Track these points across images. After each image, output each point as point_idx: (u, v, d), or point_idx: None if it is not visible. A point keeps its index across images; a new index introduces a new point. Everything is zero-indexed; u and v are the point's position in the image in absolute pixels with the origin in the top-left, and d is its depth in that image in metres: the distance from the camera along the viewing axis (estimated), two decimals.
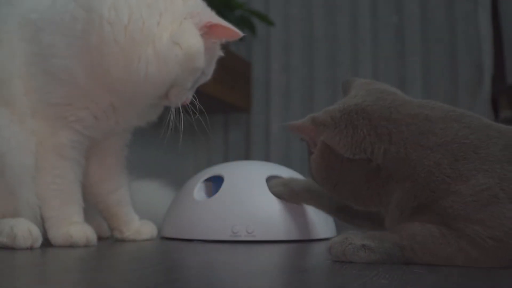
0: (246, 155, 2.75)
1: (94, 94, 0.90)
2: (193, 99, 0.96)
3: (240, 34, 0.95)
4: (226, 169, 1.07)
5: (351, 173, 0.71)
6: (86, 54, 0.87)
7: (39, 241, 0.86)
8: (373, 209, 0.74)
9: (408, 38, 2.55)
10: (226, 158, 2.72)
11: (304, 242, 0.99)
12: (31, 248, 0.84)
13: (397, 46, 2.59)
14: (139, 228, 1.03)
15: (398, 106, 0.71)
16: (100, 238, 1.04)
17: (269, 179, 1.04)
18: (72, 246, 0.89)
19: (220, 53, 1.00)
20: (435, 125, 0.68)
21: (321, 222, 1.04)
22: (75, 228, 0.91)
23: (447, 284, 0.52)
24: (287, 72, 2.75)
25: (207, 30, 0.90)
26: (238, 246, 0.91)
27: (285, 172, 1.08)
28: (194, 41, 0.87)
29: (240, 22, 2.67)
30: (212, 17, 0.91)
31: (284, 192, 0.96)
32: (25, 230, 0.84)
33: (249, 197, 1.00)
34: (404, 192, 0.68)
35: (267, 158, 2.65)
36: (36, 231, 0.86)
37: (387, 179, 0.69)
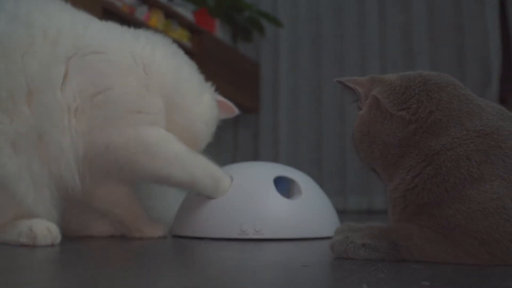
0: (255, 155, 2.76)
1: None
2: None
3: (236, 110, 1.22)
4: (235, 170, 1.10)
5: (389, 132, 0.71)
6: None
7: (59, 238, 0.89)
8: (391, 179, 0.73)
9: (415, 38, 2.55)
10: (235, 158, 2.73)
11: (309, 240, 1.01)
12: (51, 245, 0.87)
13: (404, 45, 2.58)
14: (153, 226, 1.07)
15: (457, 85, 0.72)
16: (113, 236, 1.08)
17: (276, 180, 1.06)
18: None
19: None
20: (484, 112, 0.68)
21: (325, 221, 1.07)
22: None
23: (441, 278, 0.54)
24: (295, 72, 2.76)
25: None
26: (246, 244, 0.94)
27: (292, 173, 1.11)
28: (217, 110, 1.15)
29: (248, 23, 2.70)
30: (219, 97, 1.18)
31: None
32: (44, 229, 0.87)
33: (257, 197, 1.03)
34: (421, 177, 0.67)
35: (275, 158, 2.66)
36: (55, 229, 0.89)
37: (417, 148, 0.68)
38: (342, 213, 1.95)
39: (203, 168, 1.01)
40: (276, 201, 1.03)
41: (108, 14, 1.76)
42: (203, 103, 1.10)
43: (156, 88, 1.00)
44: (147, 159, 0.96)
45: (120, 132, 0.95)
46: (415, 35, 2.55)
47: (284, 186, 1.08)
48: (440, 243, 0.64)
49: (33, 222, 0.88)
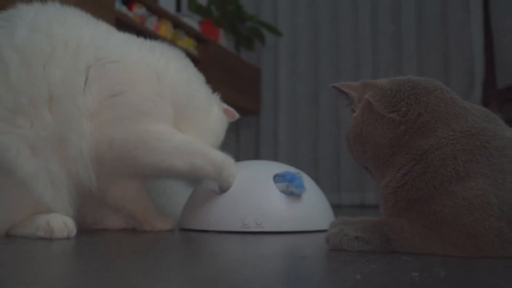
0: (256, 155, 2.77)
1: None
2: None
3: (237, 115, 1.22)
4: (238, 168, 1.08)
5: (380, 133, 0.71)
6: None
7: (74, 231, 0.89)
8: (382, 176, 0.73)
9: (404, 45, 2.55)
10: (237, 157, 2.72)
11: (307, 233, 1.01)
12: (67, 238, 0.87)
13: (394, 53, 2.59)
14: (163, 220, 1.07)
15: (444, 89, 0.71)
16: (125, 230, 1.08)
17: (275, 177, 1.06)
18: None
19: None
20: (469, 114, 0.68)
21: (321, 215, 1.07)
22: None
23: (429, 269, 0.54)
24: (294, 78, 2.76)
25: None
26: (248, 236, 0.94)
27: (291, 171, 1.10)
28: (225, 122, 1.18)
29: (251, 33, 2.70)
30: (224, 105, 1.18)
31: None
32: (60, 223, 0.87)
33: (257, 193, 1.03)
34: (411, 175, 0.66)
35: (275, 157, 2.66)
36: (71, 223, 0.89)
37: (405, 148, 0.68)
38: (336, 208, 1.96)
39: (203, 156, 0.99)
40: (275, 197, 1.03)
41: (121, 24, 1.76)
42: (213, 116, 1.11)
43: (168, 98, 1.00)
44: (146, 153, 0.94)
45: (122, 130, 0.94)
46: (404, 43, 2.55)
47: (296, 180, 1.05)
48: (429, 237, 0.64)
49: (50, 216, 0.88)
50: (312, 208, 1.05)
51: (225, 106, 1.18)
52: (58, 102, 0.89)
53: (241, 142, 2.81)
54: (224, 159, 1.02)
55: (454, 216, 0.62)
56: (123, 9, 1.92)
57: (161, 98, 0.99)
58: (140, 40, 1.06)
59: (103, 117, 0.93)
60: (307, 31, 2.76)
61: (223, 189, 1.04)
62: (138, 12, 2.01)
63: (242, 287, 0.47)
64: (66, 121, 0.89)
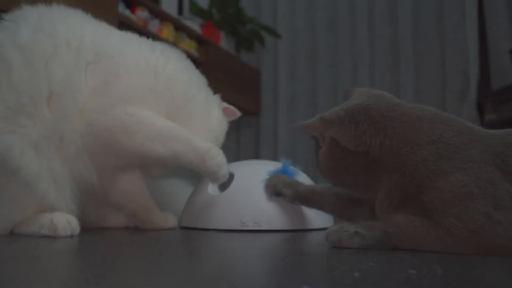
0: (256, 154, 2.76)
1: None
2: None
3: (239, 113, 1.20)
4: (236, 168, 1.09)
5: (353, 164, 0.73)
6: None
7: (78, 229, 0.88)
8: (369, 195, 0.76)
9: (401, 48, 2.55)
10: (238, 157, 2.73)
11: (305, 231, 1.00)
12: (71, 236, 0.86)
13: (391, 56, 2.58)
14: (165, 218, 1.06)
15: (394, 106, 0.73)
16: (127, 228, 1.08)
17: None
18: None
19: None
20: (425, 124, 0.70)
21: (319, 214, 1.05)
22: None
23: (426, 267, 0.54)
24: (293, 79, 2.76)
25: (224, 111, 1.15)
26: (246, 235, 0.93)
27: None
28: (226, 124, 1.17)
29: (251, 35, 2.70)
30: (224, 104, 1.16)
31: (290, 193, 0.93)
32: (64, 222, 0.86)
33: (256, 192, 1.02)
34: (393, 183, 0.69)
35: (274, 157, 2.66)
36: (74, 221, 0.88)
37: (380, 170, 0.71)
38: None
39: (185, 143, 0.94)
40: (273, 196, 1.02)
41: (124, 27, 1.76)
42: (213, 118, 1.09)
43: (164, 97, 0.97)
44: (126, 137, 0.90)
45: (105, 115, 0.90)
46: (401, 46, 2.55)
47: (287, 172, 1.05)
48: (424, 225, 0.65)
49: (54, 215, 0.87)
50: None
51: (225, 105, 1.17)
52: (57, 99, 0.87)
53: (242, 142, 2.81)
54: (208, 147, 0.96)
55: (445, 206, 0.64)
56: (126, 12, 1.92)
57: (155, 95, 0.96)
58: (142, 39, 1.04)
59: (89, 105, 0.90)
60: (306, 33, 2.75)
61: (212, 181, 0.99)
62: (140, 15, 2.00)
63: (242, 283, 0.47)
64: (64, 118, 0.88)
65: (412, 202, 0.68)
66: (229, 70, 2.36)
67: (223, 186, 1.11)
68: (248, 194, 1.02)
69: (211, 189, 1.07)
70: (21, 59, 0.86)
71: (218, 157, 0.96)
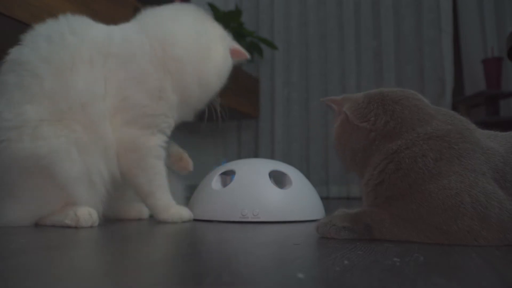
0: (255, 153, 2.76)
1: (176, 104, 0.95)
2: (222, 110, 1.05)
3: (248, 56, 1.08)
4: (237, 165, 1.08)
5: (356, 140, 0.70)
6: (168, 75, 0.92)
7: (97, 221, 0.88)
8: (361, 178, 0.72)
9: (384, 59, 2.55)
10: (239, 155, 2.73)
11: (299, 222, 0.99)
12: (91, 227, 0.86)
13: (376, 65, 2.58)
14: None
15: (411, 97, 0.70)
16: (140, 219, 1.07)
17: (271, 173, 1.04)
18: (180, 221, 0.97)
19: None
20: (434, 119, 0.66)
21: (312, 207, 1.05)
22: (180, 208, 0.98)
23: (409, 255, 0.53)
24: (288, 86, 2.76)
25: (231, 52, 1.04)
26: (246, 226, 0.92)
27: (285, 168, 1.09)
28: (230, 60, 1.04)
29: (250, 47, 2.69)
30: (234, 43, 1.06)
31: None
32: (86, 214, 0.86)
33: (255, 187, 1.01)
34: (385, 174, 0.65)
35: (272, 155, 2.65)
36: (94, 214, 0.88)
37: (378, 150, 0.67)
38: (325, 199, 1.94)
39: (163, 195, 0.95)
40: (271, 190, 1.01)
41: None
42: (217, 55, 1.01)
43: (167, 63, 0.93)
44: (130, 155, 0.92)
45: (121, 132, 0.91)
46: (384, 57, 2.55)
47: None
48: (407, 228, 0.63)
49: (78, 207, 0.87)
50: (303, 200, 1.04)
51: (236, 46, 1.06)
52: (87, 108, 0.86)
53: (242, 142, 2.80)
54: (178, 212, 0.96)
55: (429, 214, 0.61)
56: None
57: (163, 74, 0.92)
58: (142, 20, 0.98)
59: (115, 120, 0.91)
60: (299, 46, 2.75)
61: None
62: None
63: (243, 272, 0.45)
64: (97, 125, 0.87)
65: (396, 205, 0.64)
66: (231, 78, 2.35)
67: (226, 182, 1.10)
68: (248, 189, 1.01)
69: (215, 184, 1.06)
70: (48, 70, 0.85)
71: (165, 213, 0.96)
